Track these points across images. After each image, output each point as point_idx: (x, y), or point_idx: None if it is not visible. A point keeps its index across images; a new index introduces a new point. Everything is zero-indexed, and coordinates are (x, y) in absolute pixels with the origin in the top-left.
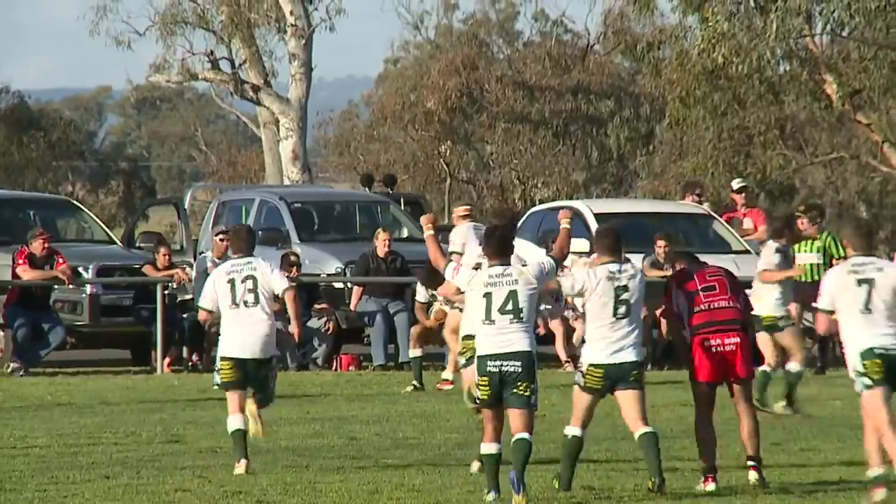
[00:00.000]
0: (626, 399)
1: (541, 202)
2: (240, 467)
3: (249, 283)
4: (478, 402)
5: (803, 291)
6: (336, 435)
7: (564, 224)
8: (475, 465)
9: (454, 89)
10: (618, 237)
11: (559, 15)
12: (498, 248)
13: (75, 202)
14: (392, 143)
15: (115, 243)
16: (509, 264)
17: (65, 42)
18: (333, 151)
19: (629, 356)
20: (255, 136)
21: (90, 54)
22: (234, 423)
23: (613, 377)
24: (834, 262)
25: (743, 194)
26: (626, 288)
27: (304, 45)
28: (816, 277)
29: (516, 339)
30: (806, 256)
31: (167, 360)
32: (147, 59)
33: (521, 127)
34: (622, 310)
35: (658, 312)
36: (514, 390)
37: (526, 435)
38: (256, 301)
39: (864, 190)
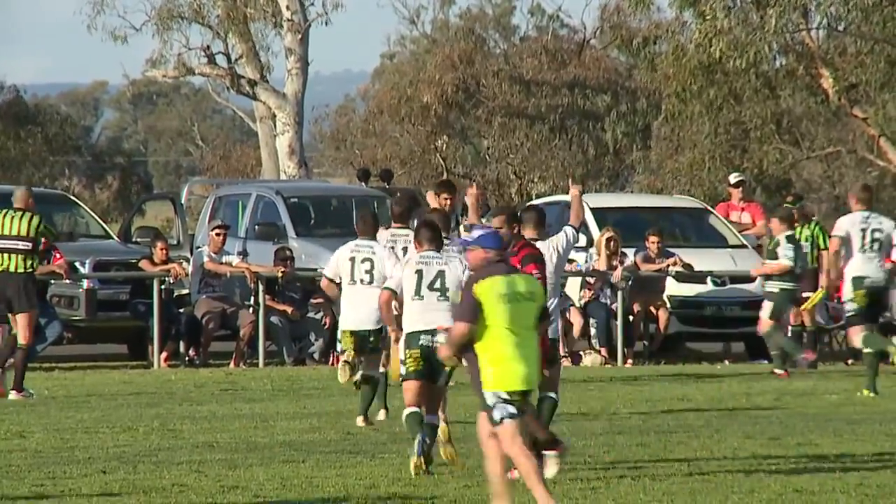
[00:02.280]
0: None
1: (537, 197)
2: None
3: (367, 265)
4: (403, 375)
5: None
6: (332, 429)
7: (574, 192)
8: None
9: (450, 84)
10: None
11: (555, 9)
12: (430, 236)
13: (72, 197)
14: (388, 138)
15: (112, 238)
16: (439, 251)
17: (61, 37)
18: (330, 146)
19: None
20: (252, 131)
21: (86, 49)
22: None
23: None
24: (821, 251)
25: (740, 188)
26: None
27: (301, 40)
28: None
29: (442, 317)
30: None
31: (164, 354)
32: (143, 54)
33: (517, 121)
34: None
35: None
36: (446, 368)
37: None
38: (371, 281)
39: None
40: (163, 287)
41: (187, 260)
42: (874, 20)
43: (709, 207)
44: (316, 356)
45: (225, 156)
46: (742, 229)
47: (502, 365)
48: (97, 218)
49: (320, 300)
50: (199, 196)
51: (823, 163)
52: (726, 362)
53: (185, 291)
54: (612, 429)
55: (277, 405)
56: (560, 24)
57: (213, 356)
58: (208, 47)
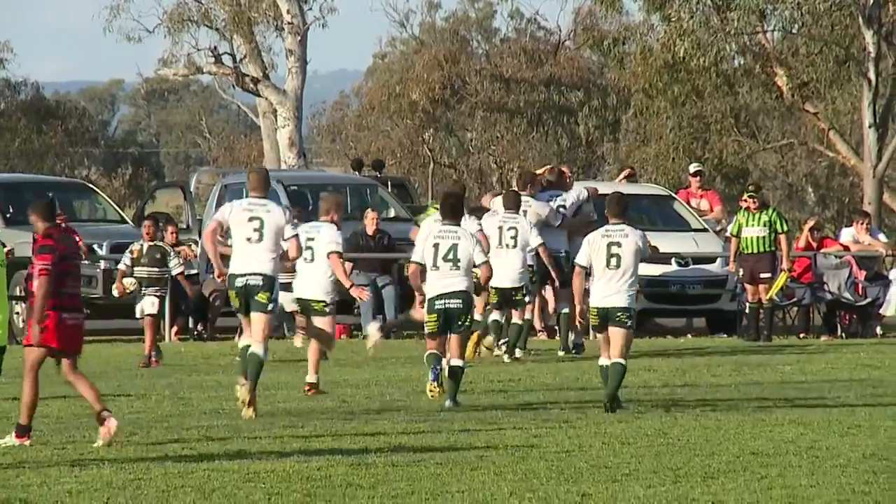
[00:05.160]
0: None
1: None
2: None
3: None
4: (426, 333)
5: (749, 262)
6: (329, 398)
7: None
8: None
9: (437, 81)
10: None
11: (533, 13)
12: (451, 212)
13: (90, 185)
14: (380, 131)
15: (127, 222)
16: (458, 225)
17: (81, 38)
18: (326, 138)
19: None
20: (255, 125)
21: (104, 50)
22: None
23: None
24: (778, 235)
25: (698, 178)
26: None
27: (300, 42)
28: (762, 249)
29: (456, 283)
30: (753, 230)
31: (174, 329)
32: (156, 54)
33: (498, 116)
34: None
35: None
36: (458, 322)
37: (460, 362)
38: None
39: (812, 173)
40: None
41: (196, 243)
42: (824, 24)
43: (673, 194)
44: None
45: (230, 147)
46: (701, 214)
47: None
48: (113, 204)
49: None
50: (206, 184)
51: (778, 154)
52: (689, 336)
53: (193, 272)
54: (585, 397)
55: (278, 376)
56: (537, 27)
57: (219, 331)
58: (215, 48)
